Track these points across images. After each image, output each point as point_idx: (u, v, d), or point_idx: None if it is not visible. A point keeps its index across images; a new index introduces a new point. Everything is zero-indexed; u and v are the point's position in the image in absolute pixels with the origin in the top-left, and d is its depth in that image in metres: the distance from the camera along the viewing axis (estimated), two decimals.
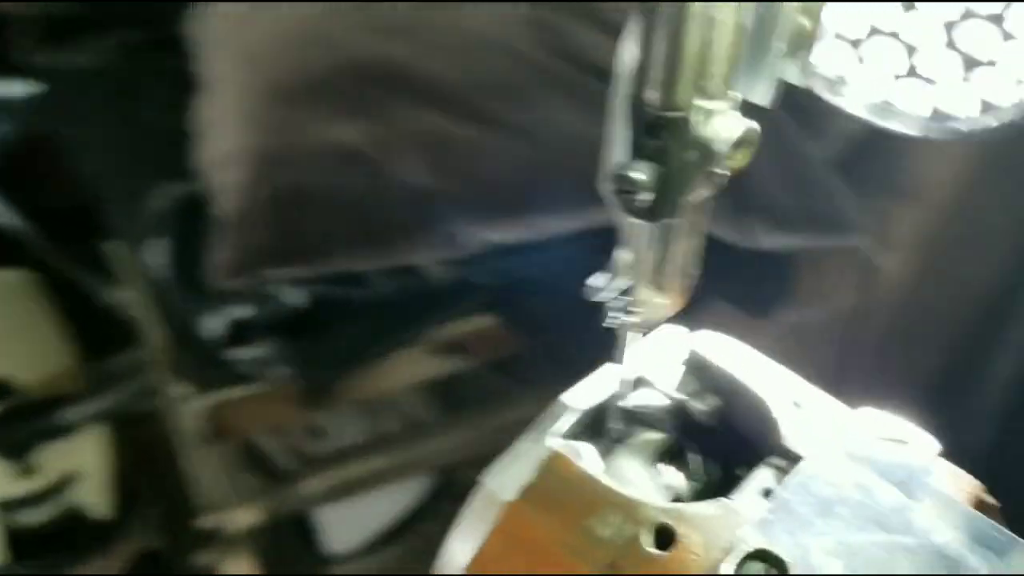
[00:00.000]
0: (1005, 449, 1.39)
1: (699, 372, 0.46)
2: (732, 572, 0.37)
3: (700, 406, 0.45)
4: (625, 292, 0.43)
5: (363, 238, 1.10)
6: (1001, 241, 1.48)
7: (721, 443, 0.45)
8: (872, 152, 1.40)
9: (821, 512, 0.38)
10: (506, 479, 0.42)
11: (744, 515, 0.39)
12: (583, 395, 0.45)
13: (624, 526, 0.39)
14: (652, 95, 0.36)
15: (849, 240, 1.32)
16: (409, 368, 1.33)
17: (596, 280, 0.43)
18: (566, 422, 0.44)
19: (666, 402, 0.46)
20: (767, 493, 0.41)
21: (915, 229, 1.45)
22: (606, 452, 0.45)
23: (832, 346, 1.58)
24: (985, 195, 1.42)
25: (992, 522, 0.39)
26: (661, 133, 0.37)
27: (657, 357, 0.47)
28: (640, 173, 0.37)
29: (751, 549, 0.37)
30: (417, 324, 1.26)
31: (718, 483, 0.45)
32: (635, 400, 0.46)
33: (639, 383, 0.46)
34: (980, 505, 0.41)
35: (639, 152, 0.37)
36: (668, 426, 0.46)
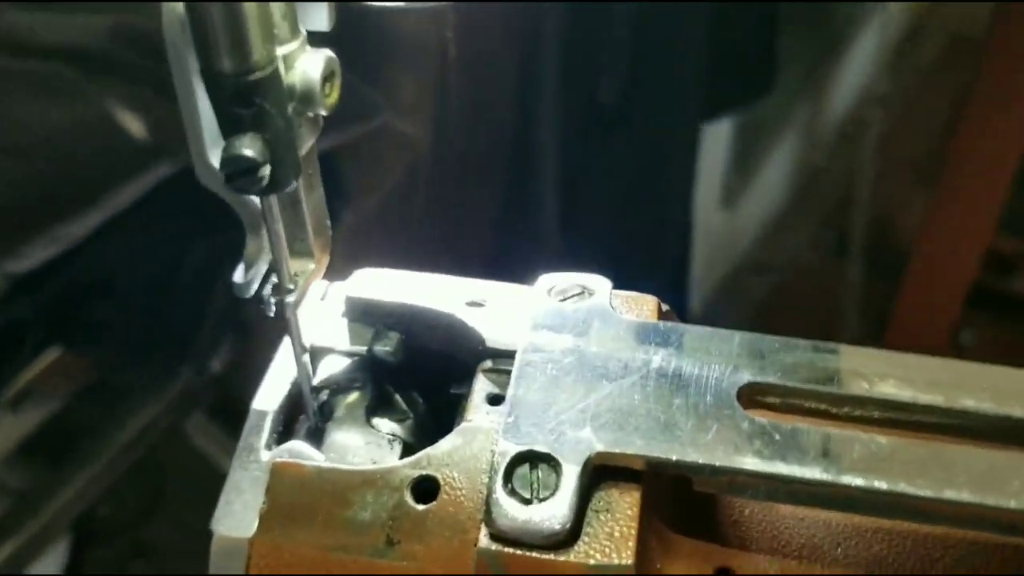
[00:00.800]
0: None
1: (367, 316, 0.44)
2: (503, 488, 0.36)
3: (383, 348, 0.44)
4: (270, 274, 0.40)
5: None
6: (508, 88, 1.57)
7: (426, 371, 0.45)
8: (362, 33, 1.41)
9: (552, 392, 0.39)
10: (238, 516, 0.39)
11: (487, 430, 0.39)
12: (272, 395, 0.42)
13: (382, 499, 0.38)
14: (227, 63, 0.33)
15: (374, 122, 1.34)
16: None
17: (237, 276, 0.40)
18: (267, 429, 0.41)
19: (348, 361, 0.44)
20: (494, 399, 0.41)
21: (429, 93, 1.50)
22: (319, 436, 0.43)
23: (395, 230, 1.61)
24: (476, 49, 1.49)
25: (681, 325, 0.41)
26: (253, 99, 0.34)
27: (319, 321, 0.45)
28: (249, 149, 0.34)
29: (510, 458, 0.37)
30: None
31: (430, 409, 0.45)
32: (321, 374, 0.43)
33: (316, 356, 0.44)
34: (662, 314, 0.44)
35: (237, 127, 0.34)
36: (363, 382, 0.44)
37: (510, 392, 0.39)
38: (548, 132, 1.78)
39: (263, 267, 0.40)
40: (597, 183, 1.80)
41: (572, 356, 0.40)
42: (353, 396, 0.44)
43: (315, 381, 0.43)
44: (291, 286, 0.40)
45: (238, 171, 0.34)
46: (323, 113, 0.37)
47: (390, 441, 0.42)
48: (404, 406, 0.45)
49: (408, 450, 0.42)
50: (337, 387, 0.44)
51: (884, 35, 1.79)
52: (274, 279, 0.40)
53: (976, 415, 0.37)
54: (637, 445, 0.37)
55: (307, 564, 0.37)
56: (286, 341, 0.44)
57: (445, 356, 0.45)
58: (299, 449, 0.40)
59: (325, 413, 0.43)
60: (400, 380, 0.45)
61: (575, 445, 0.37)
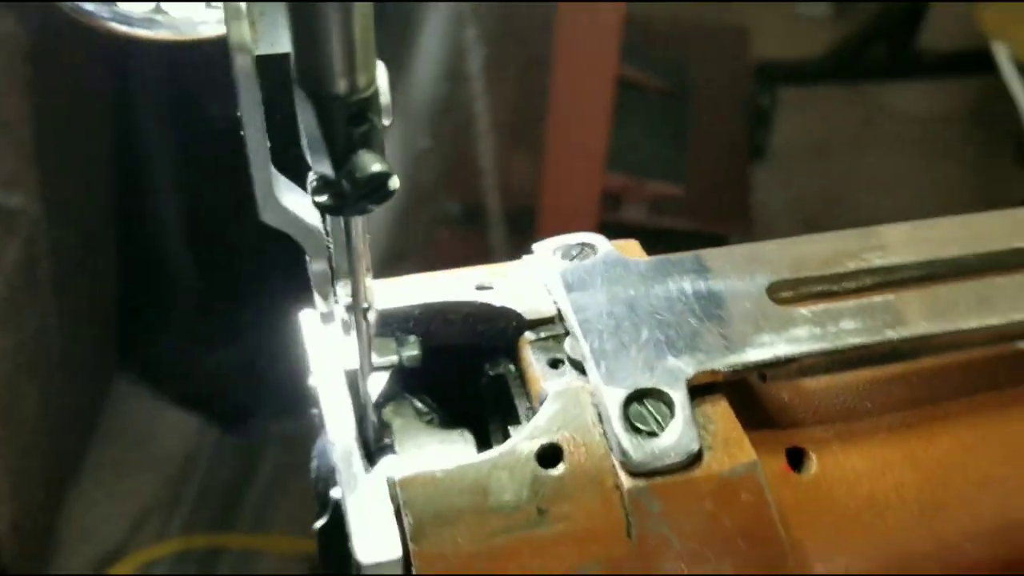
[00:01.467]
0: None
1: (383, 327, 0.45)
2: (625, 429, 0.40)
3: (411, 354, 0.45)
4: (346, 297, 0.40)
5: None
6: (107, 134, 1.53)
7: (438, 369, 0.47)
8: None
9: (620, 337, 0.43)
10: (378, 541, 0.39)
11: (576, 388, 0.42)
12: (342, 422, 0.42)
13: (517, 476, 0.40)
14: (340, 86, 0.34)
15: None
16: None
17: (320, 307, 0.40)
18: (358, 454, 0.41)
19: (385, 375, 0.45)
20: (554, 363, 0.44)
21: (27, 160, 1.42)
22: (379, 454, 0.44)
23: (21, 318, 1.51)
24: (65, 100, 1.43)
25: (685, 253, 0.47)
26: (366, 115, 0.35)
27: (331, 343, 0.45)
28: (377, 163, 0.35)
29: (621, 401, 0.41)
30: None
31: (446, 404, 0.47)
32: (375, 396, 0.44)
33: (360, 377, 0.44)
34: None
35: (348, 148, 0.35)
36: (398, 392, 0.45)
37: (587, 347, 0.43)
38: (163, 172, 1.74)
39: (344, 292, 0.40)
40: (228, 211, 1.78)
41: (618, 304, 0.44)
42: (392, 407, 0.45)
43: (377, 406, 0.44)
44: (367, 304, 0.41)
45: (376, 187, 0.35)
46: (387, 123, 0.38)
47: (461, 434, 0.44)
48: (426, 407, 0.47)
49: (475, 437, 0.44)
50: (385, 401, 0.45)
51: (448, 11, 1.92)
52: (343, 298, 0.40)
53: (959, 259, 0.46)
54: (720, 358, 0.42)
55: (474, 559, 0.39)
56: (319, 368, 0.44)
57: (453, 351, 0.47)
58: (399, 463, 0.41)
59: (384, 428, 0.44)
60: (412, 383, 0.47)
61: (670, 374, 0.42)
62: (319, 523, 0.45)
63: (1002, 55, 1.48)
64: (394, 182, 0.35)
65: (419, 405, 0.47)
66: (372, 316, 0.41)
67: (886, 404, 0.46)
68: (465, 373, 0.48)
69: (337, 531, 0.42)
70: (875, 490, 0.43)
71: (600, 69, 1.69)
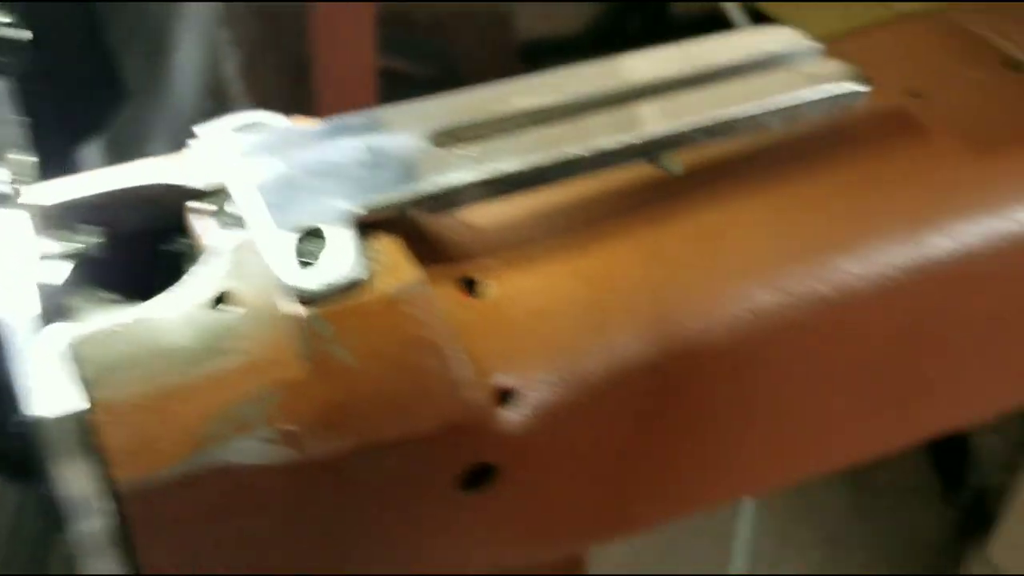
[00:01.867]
0: None
1: (60, 220, 0.47)
2: (297, 265, 0.43)
3: (88, 240, 0.47)
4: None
5: None
6: None
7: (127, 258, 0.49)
8: None
9: (292, 190, 0.46)
10: (55, 398, 0.40)
11: (250, 237, 0.45)
12: (11, 304, 0.43)
13: (193, 322, 0.43)
14: None
15: None
16: None
17: None
18: (29, 325, 0.43)
19: (65, 265, 0.46)
20: (225, 224, 0.47)
21: None
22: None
23: None
24: None
25: (355, 112, 0.51)
26: None
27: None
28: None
29: (288, 241, 0.44)
30: None
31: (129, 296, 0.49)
32: (56, 283, 0.45)
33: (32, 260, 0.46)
34: None
35: None
36: (82, 283, 0.47)
37: (256, 201, 0.46)
38: None
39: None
40: None
41: (294, 163, 0.48)
42: (73, 295, 0.47)
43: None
44: (20, 178, 0.42)
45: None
46: None
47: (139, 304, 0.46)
48: (108, 295, 0.48)
49: None
50: (68, 290, 0.46)
51: (200, 18, 1.92)
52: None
53: (607, 94, 0.52)
54: (386, 196, 0.46)
55: (155, 399, 0.41)
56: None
57: (134, 239, 0.49)
58: (74, 327, 0.43)
59: (65, 312, 0.46)
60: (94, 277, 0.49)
61: (338, 213, 0.45)
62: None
63: (731, 7, 1.58)
64: (13, 31, 0.37)
65: (101, 293, 0.48)
66: (29, 192, 0.43)
67: (547, 229, 0.50)
68: (146, 261, 0.50)
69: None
70: (546, 304, 0.48)
71: (359, 62, 1.72)
